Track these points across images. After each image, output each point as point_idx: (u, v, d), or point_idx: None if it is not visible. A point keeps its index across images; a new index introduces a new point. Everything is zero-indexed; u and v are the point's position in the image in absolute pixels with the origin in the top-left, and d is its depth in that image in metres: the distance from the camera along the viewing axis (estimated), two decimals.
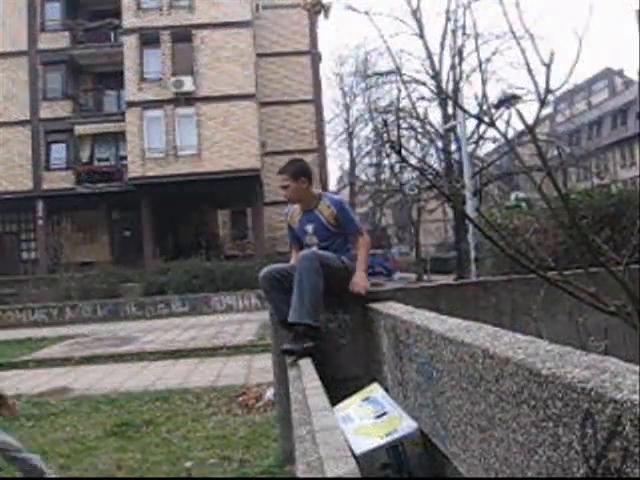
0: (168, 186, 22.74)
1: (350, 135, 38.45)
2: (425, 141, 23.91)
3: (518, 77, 31.95)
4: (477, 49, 25.29)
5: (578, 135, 38.38)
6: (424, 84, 22.92)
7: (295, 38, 28.69)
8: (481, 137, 22.34)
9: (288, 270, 3.60)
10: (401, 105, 22.09)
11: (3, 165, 24.53)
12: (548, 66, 1.99)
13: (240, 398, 6.06)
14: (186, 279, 20.18)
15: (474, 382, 1.54)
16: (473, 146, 21.43)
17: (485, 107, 10.54)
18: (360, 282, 3.62)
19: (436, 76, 22.18)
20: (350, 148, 38.72)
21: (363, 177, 38.74)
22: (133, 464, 4.21)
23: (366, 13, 23.07)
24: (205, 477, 3.92)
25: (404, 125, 21.83)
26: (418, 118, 22.42)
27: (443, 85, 21.96)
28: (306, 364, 3.08)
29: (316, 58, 29.32)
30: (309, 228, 3.76)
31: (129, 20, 23.99)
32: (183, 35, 24.03)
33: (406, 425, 2.43)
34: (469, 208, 14.05)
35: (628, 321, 2.07)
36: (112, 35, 25.66)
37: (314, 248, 3.71)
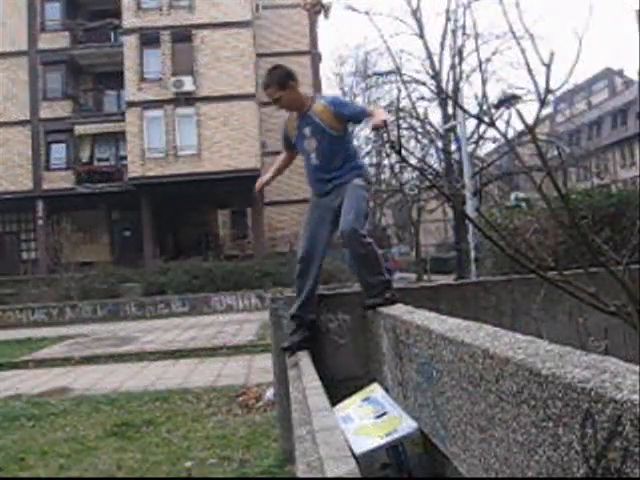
0: (168, 186, 22.74)
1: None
2: (425, 141, 23.89)
3: (518, 77, 31.92)
4: (477, 49, 25.26)
5: (578, 135, 38.37)
6: (424, 84, 22.90)
7: (295, 38, 28.69)
8: (481, 137, 22.32)
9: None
10: (401, 105, 22.03)
11: (3, 165, 24.55)
12: (548, 66, 1.99)
13: (240, 398, 6.05)
14: (186, 279, 20.17)
15: (474, 382, 1.54)
16: (473, 146, 21.41)
17: (485, 107, 10.57)
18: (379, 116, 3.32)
19: (436, 76, 22.15)
20: None
21: None
22: (133, 464, 4.21)
23: (366, 13, 23.08)
24: (205, 477, 3.91)
25: (404, 125, 21.81)
26: (418, 118, 22.41)
27: (443, 85, 21.94)
28: (306, 364, 3.08)
29: (316, 58, 29.32)
30: (307, 131, 3.58)
31: (129, 20, 24.00)
32: (183, 35, 24.04)
33: (406, 425, 2.43)
34: (469, 208, 14.06)
35: (628, 321, 2.07)
36: (112, 35, 25.68)
37: (313, 155, 3.58)
